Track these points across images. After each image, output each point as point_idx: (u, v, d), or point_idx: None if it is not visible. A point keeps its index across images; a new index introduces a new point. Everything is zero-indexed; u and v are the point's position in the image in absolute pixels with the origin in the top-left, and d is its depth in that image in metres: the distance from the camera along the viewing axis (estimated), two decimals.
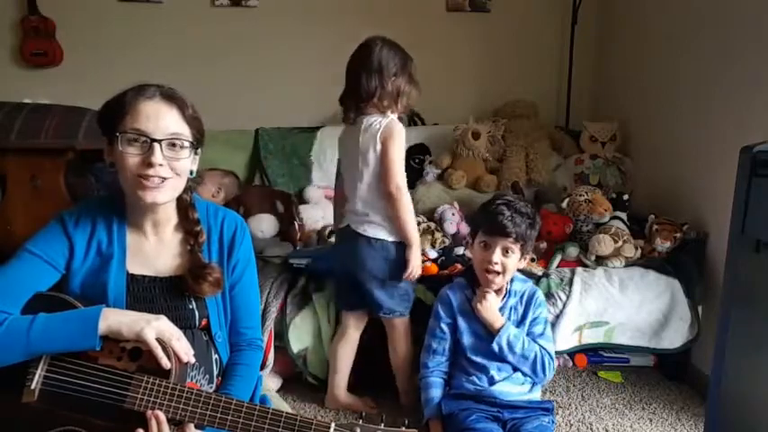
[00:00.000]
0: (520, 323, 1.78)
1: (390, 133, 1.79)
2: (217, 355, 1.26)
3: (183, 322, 1.21)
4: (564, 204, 2.44)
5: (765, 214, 1.26)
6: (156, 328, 1.08)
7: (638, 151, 2.86)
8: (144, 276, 1.21)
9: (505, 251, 1.73)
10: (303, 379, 2.14)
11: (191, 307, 1.23)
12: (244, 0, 3.04)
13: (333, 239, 2.41)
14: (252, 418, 1.02)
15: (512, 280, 1.82)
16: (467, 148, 2.83)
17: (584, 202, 2.36)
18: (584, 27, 3.20)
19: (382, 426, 1.00)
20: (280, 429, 1.00)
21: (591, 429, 1.96)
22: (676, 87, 2.51)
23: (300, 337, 2.07)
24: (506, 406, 1.70)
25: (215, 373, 1.25)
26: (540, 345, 1.74)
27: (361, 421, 1.02)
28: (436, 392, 1.77)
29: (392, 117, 1.83)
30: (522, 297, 1.80)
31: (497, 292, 1.79)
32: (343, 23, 3.11)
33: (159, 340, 1.07)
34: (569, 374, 2.34)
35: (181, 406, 1.04)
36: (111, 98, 1.17)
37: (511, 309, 1.78)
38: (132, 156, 1.12)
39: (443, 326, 1.81)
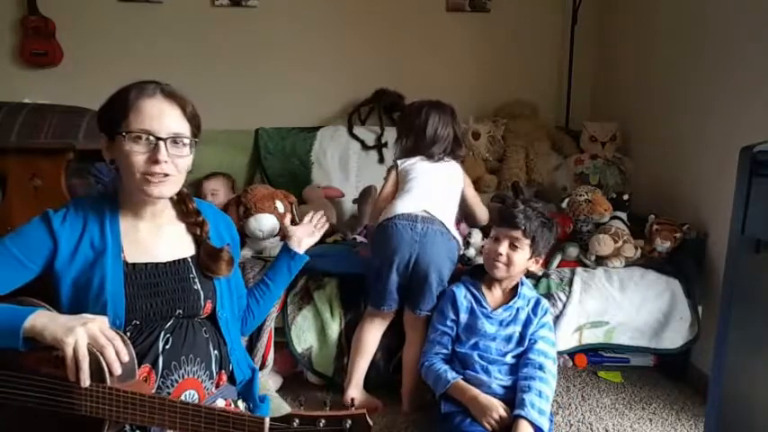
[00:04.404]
0: (524, 327, 1.78)
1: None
2: (216, 351, 1.27)
3: (188, 305, 1.23)
4: (564, 204, 2.43)
5: (765, 214, 1.26)
6: (80, 336, 1.00)
7: (638, 151, 2.86)
8: (145, 264, 1.22)
9: (513, 245, 1.75)
10: (304, 378, 2.15)
11: (195, 288, 1.25)
12: (244, 0, 3.04)
13: (331, 239, 2.40)
14: (188, 417, 1.01)
15: (522, 283, 1.84)
16: (467, 148, 2.83)
17: (584, 202, 2.35)
18: (584, 27, 3.20)
19: (327, 410, 1.00)
20: (215, 427, 1.00)
21: (591, 429, 1.95)
22: (676, 87, 2.51)
23: (303, 336, 2.07)
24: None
25: (214, 369, 1.25)
26: (539, 350, 1.74)
27: (302, 408, 1.02)
28: (442, 366, 1.76)
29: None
30: (529, 302, 1.83)
31: (506, 289, 1.82)
32: (343, 23, 3.12)
33: (90, 347, 1.01)
34: (569, 374, 2.34)
35: (120, 409, 1.01)
36: (113, 96, 1.19)
37: (518, 309, 1.80)
38: (139, 154, 1.15)
39: (448, 322, 1.82)
